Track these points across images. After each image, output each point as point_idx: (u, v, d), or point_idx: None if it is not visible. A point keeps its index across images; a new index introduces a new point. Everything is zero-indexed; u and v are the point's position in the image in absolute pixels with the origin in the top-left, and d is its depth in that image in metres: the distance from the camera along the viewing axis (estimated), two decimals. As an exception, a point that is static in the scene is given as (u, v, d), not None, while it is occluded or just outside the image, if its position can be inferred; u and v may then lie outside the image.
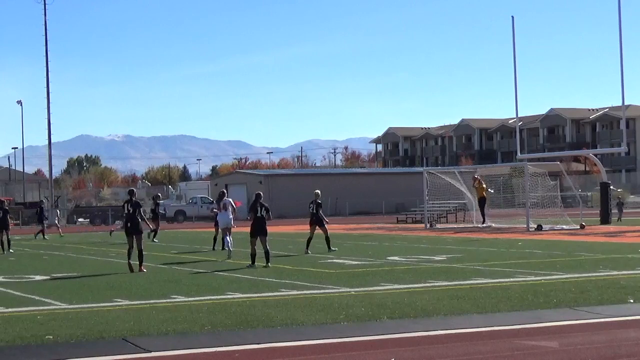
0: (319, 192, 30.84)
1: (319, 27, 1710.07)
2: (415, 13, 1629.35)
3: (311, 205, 30.50)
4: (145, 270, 23.31)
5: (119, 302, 16.55)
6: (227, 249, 29.09)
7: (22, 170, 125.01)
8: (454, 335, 12.33)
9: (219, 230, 31.63)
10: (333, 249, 30.24)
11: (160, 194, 44.85)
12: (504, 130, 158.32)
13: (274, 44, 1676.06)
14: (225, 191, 33.26)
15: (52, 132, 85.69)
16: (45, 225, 48.38)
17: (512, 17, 53.72)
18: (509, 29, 53.59)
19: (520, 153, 59.00)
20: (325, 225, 30.45)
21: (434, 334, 12.44)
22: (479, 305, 15.15)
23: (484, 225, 46.25)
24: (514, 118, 63.70)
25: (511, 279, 19.48)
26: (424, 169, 57.95)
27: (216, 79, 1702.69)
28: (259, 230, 24.47)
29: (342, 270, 22.71)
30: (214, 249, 32.48)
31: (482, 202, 46.40)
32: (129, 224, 23.82)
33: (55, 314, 15.03)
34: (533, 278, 19.70)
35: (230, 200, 31.67)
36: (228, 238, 29.40)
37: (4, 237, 34.36)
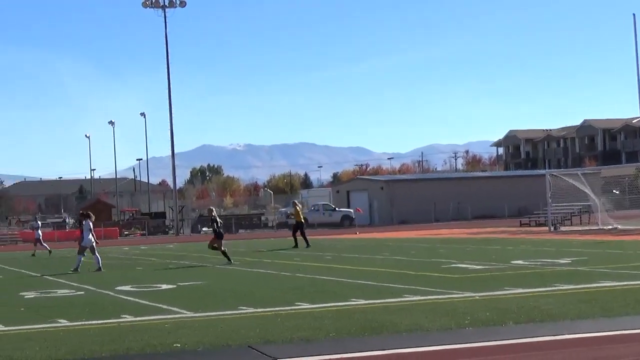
0: None
1: (436, 31, 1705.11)
2: (534, 14, 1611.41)
3: None
4: None
5: (244, 309, 16.71)
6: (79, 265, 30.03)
7: (147, 181, 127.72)
8: (581, 340, 12.12)
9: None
10: None
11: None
12: (628, 129, 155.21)
13: (392, 49, 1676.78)
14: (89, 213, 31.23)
15: (174, 143, 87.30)
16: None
17: (634, 14, 52.74)
18: (630, 27, 52.64)
19: (646, 153, 57.73)
20: None
21: (561, 339, 12.24)
22: (607, 308, 14.86)
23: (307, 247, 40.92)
24: (637, 117, 62.39)
25: None
26: (547, 172, 57.21)
27: (335, 85, 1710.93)
28: None
29: (465, 275, 22.55)
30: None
31: (298, 226, 42.29)
32: None
33: (182, 322, 15.26)
34: (662, 280, 19.26)
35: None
36: (83, 256, 30.35)
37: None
